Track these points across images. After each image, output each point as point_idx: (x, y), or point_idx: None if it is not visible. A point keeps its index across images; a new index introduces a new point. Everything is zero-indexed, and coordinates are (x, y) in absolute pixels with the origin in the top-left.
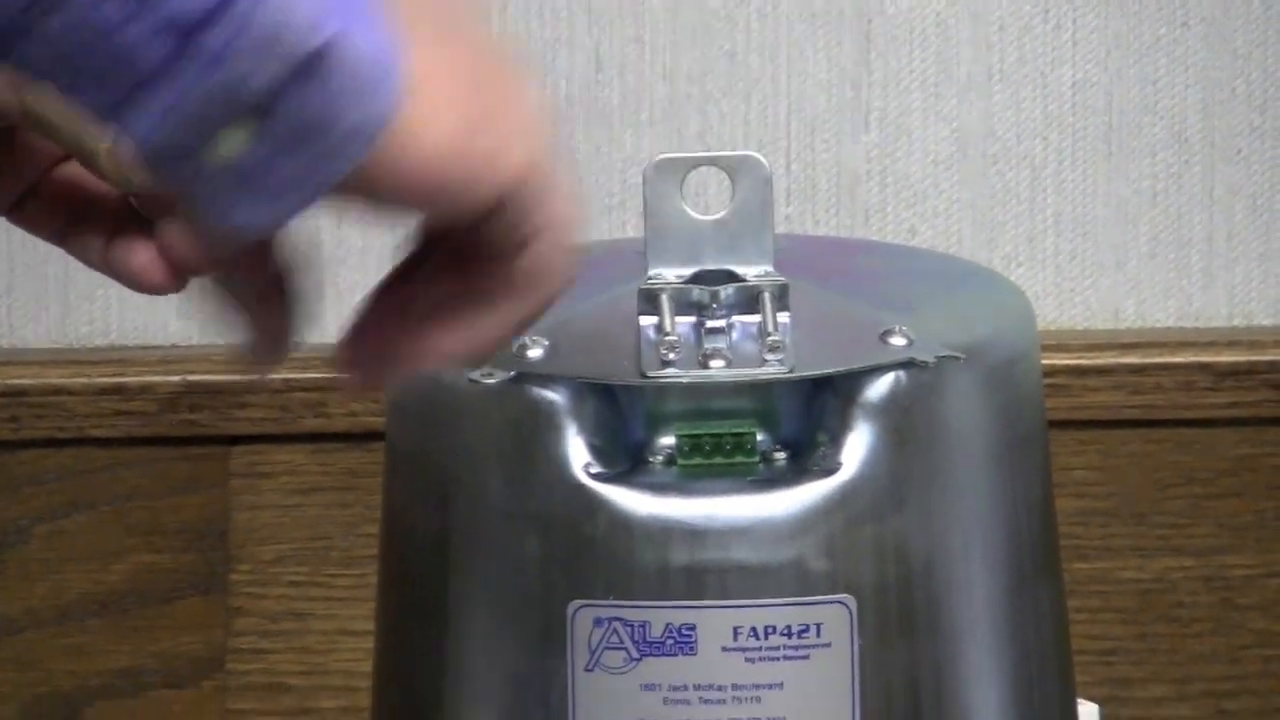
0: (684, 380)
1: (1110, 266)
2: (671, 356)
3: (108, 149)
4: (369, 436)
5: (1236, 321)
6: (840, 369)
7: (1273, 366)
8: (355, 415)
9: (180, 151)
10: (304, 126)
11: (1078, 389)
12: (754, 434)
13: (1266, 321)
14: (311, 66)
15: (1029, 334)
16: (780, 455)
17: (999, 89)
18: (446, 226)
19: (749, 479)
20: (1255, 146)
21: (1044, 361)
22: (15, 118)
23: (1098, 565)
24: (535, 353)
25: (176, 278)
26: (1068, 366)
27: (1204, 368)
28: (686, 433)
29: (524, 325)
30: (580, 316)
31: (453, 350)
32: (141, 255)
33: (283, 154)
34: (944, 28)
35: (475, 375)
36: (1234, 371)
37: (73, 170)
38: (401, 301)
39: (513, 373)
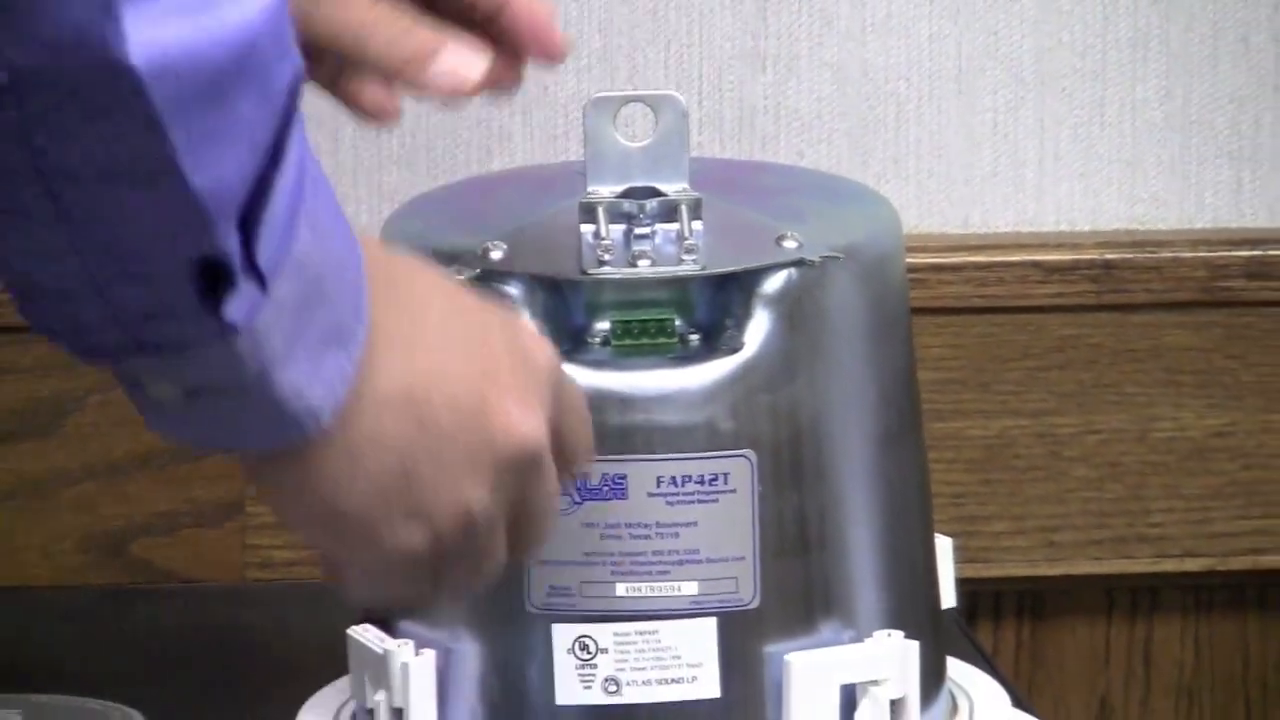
0: (616, 276)
1: (960, 183)
2: (606, 257)
3: None
4: None
5: (1062, 227)
6: (743, 267)
7: (1091, 264)
8: None
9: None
10: (216, 420)
11: (934, 282)
12: (673, 320)
13: (1085, 228)
14: (236, 391)
15: (895, 238)
16: (694, 337)
17: (871, 39)
18: None
19: (669, 356)
20: (1077, 85)
21: (907, 260)
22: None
23: (951, 425)
24: (496, 254)
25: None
26: (926, 264)
27: (1036, 265)
28: (618, 319)
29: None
30: (532, 225)
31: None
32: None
33: (198, 422)
34: None
35: (448, 273)
36: (1059, 268)
37: None
38: None
39: (478, 270)
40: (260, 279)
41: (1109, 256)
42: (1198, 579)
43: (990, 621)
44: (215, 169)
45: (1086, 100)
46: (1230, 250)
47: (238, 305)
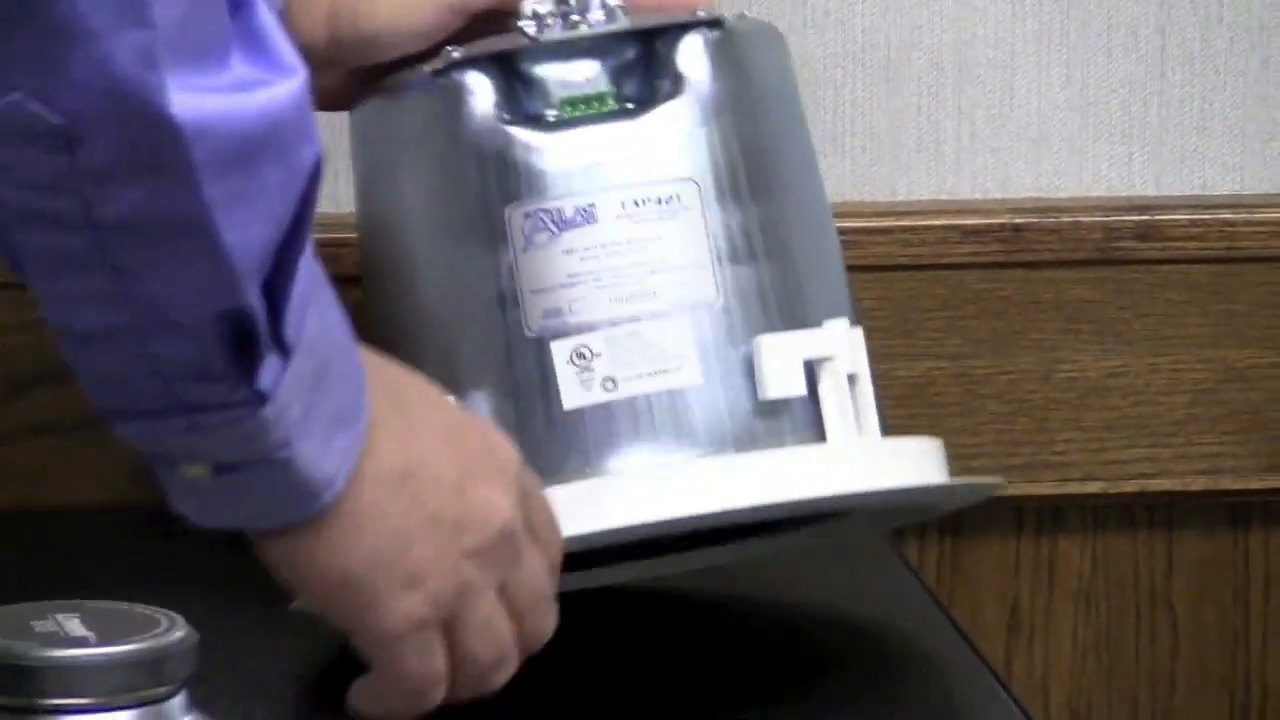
0: (560, 37)
1: (888, 158)
2: (551, 24)
3: None
4: None
5: (977, 195)
6: (668, 22)
7: (1002, 227)
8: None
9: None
10: (240, 497)
11: (866, 243)
12: (614, 92)
13: (997, 195)
14: (262, 464)
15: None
16: (638, 95)
17: (811, 34)
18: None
19: (620, 109)
20: (990, 73)
21: (843, 224)
22: None
23: (881, 367)
24: (456, 54)
25: None
26: (859, 228)
27: (954, 228)
28: (565, 98)
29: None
30: (487, 40)
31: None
32: None
33: (223, 501)
34: None
35: (423, 66)
36: (975, 231)
37: None
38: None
39: (441, 65)
40: (284, 351)
41: (1017, 221)
42: (1095, 500)
43: (915, 539)
44: (243, 230)
45: (998, 86)
46: (1122, 215)
47: (265, 373)
